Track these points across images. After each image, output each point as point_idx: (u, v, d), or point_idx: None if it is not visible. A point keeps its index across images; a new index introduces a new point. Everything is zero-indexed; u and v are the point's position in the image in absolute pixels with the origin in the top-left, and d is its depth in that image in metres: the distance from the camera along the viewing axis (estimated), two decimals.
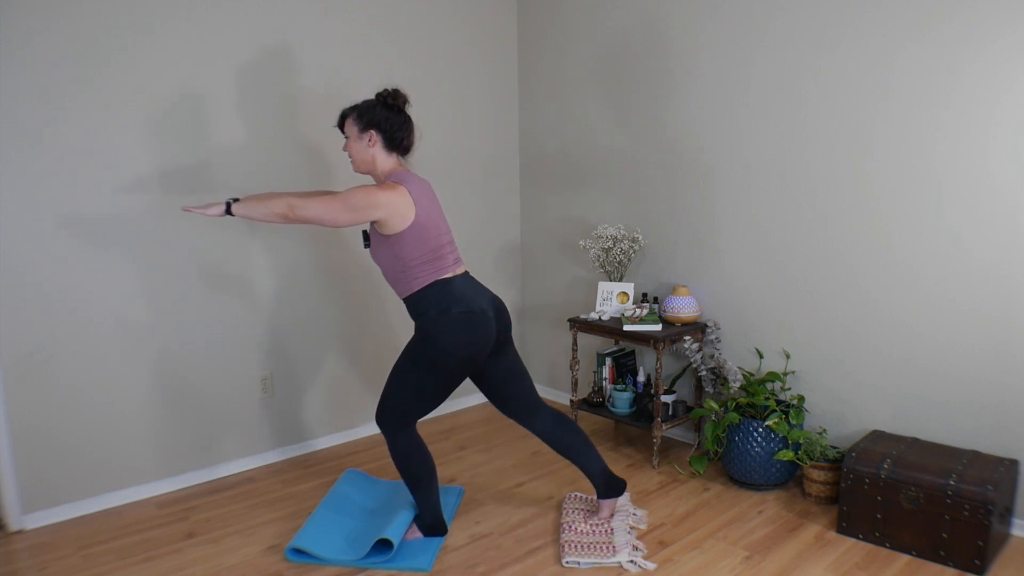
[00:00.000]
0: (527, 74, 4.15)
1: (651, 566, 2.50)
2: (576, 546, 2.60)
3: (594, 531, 2.70)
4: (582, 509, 2.88)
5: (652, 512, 2.90)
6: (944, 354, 2.78)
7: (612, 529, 2.70)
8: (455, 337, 2.44)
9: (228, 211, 2.43)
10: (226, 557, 2.62)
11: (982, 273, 2.65)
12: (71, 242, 2.81)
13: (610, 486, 2.79)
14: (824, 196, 3.01)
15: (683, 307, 3.34)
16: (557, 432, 2.73)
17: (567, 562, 2.52)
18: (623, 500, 2.89)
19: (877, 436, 2.86)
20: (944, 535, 2.49)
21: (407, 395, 2.52)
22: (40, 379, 2.80)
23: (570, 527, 2.72)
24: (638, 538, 2.69)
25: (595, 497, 2.89)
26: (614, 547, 2.58)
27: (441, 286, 2.47)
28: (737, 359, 3.37)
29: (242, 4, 3.12)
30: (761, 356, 3.29)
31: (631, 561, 2.51)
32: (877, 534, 2.63)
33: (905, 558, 2.56)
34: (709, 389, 3.34)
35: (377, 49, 3.57)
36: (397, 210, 2.37)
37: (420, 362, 2.49)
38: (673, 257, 3.57)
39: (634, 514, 2.84)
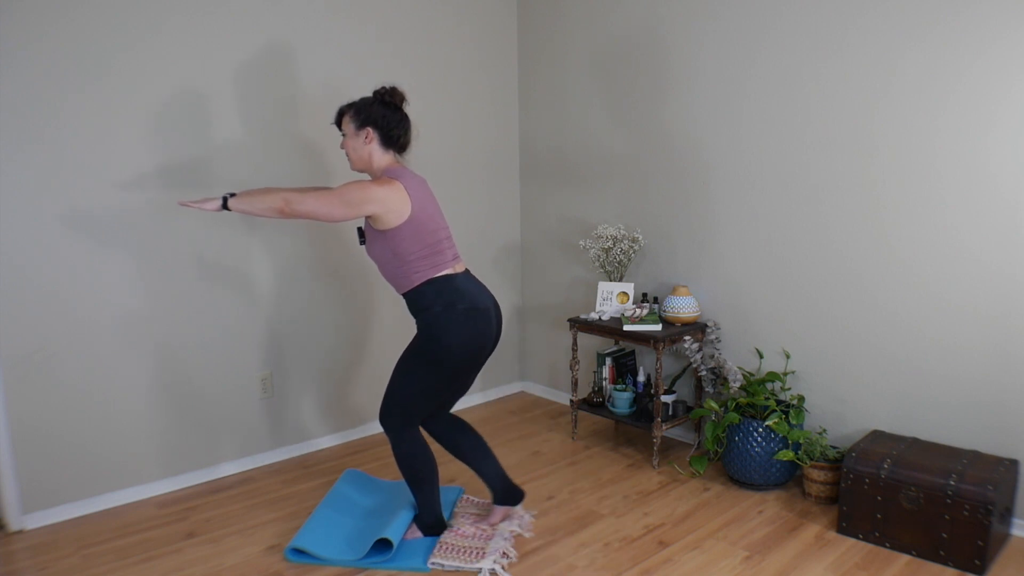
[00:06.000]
0: (527, 74, 4.15)
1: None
2: (449, 548, 2.57)
3: (477, 535, 2.66)
4: (473, 513, 2.85)
5: (652, 512, 2.90)
6: (944, 354, 2.78)
7: (492, 535, 2.67)
8: (460, 333, 2.44)
9: (224, 206, 2.44)
10: (226, 557, 2.62)
11: (982, 273, 2.65)
12: (72, 241, 2.81)
13: (507, 493, 2.75)
14: (824, 196, 3.01)
15: (683, 307, 3.34)
16: (450, 434, 2.72)
17: (431, 563, 2.50)
18: (517, 508, 2.84)
19: (877, 436, 2.86)
20: (944, 535, 2.49)
21: (411, 393, 2.52)
22: (40, 379, 2.80)
23: (455, 529, 2.69)
24: (514, 545, 2.65)
25: (489, 501, 2.85)
26: (484, 552, 2.55)
27: (443, 282, 2.47)
28: (737, 359, 3.37)
29: (243, 3, 3.12)
30: (761, 356, 3.29)
31: (491, 569, 2.47)
32: (877, 534, 2.63)
33: (905, 558, 2.56)
34: (709, 389, 3.34)
35: (378, 49, 3.57)
36: (392, 205, 2.37)
37: (423, 360, 2.49)
38: (673, 257, 3.57)
39: (522, 516, 2.81)
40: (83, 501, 2.94)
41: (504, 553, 2.57)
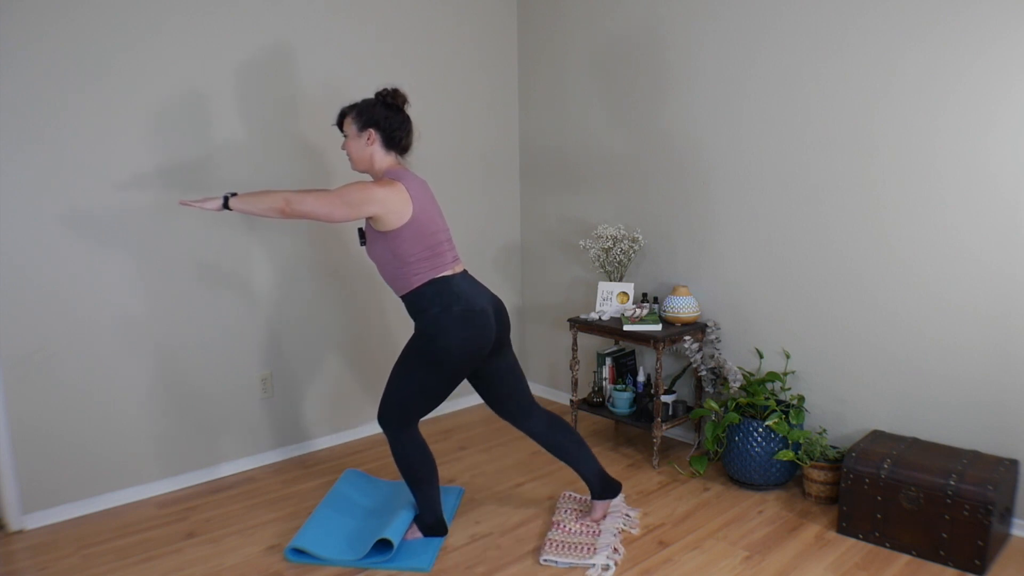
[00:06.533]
0: (527, 74, 4.15)
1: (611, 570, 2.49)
2: (558, 545, 2.60)
3: (583, 531, 2.69)
4: (575, 509, 2.87)
5: (652, 512, 2.90)
6: (944, 354, 2.78)
7: (600, 531, 2.70)
8: (456, 335, 2.44)
9: (225, 205, 2.44)
10: (226, 557, 2.62)
11: (982, 273, 2.65)
12: (72, 241, 2.81)
13: (605, 487, 2.78)
14: (824, 196, 3.01)
15: (683, 307, 3.34)
16: (550, 434, 2.73)
17: (544, 560, 2.52)
18: (617, 501, 2.88)
19: (877, 436, 2.86)
20: (944, 535, 2.49)
21: (409, 394, 2.52)
22: (40, 379, 2.80)
23: (559, 526, 2.72)
24: (622, 542, 2.66)
25: (589, 498, 2.88)
26: (595, 548, 2.57)
27: (441, 284, 2.47)
28: (737, 359, 3.37)
29: (243, 3, 3.12)
30: (761, 356, 3.29)
31: (605, 565, 2.49)
32: (877, 534, 2.63)
33: (905, 558, 2.56)
34: (709, 389, 3.34)
35: (378, 49, 3.57)
36: (393, 206, 2.37)
37: (422, 360, 2.49)
38: (673, 257, 3.57)
39: (627, 515, 2.83)
40: (83, 501, 2.94)
41: (615, 549, 2.59)
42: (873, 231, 2.90)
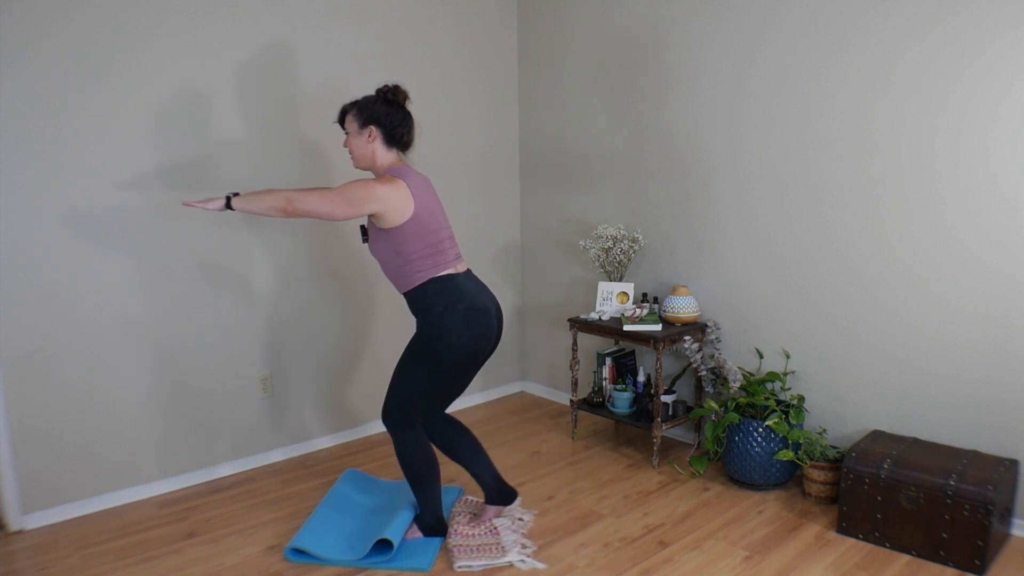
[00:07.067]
0: (527, 74, 4.15)
1: (541, 565, 2.51)
2: (465, 550, 2.58)
3: (479, 534, 2.67)
4: (468, 512, 2.85)
5: (652, 512, 2.90)
6: (944, 354, 2.78)
7: (497, 529, 2.68)
8: (460, 333, 2.44)
9: (228, 205, 2.44)
10: (226, 557, 2.62)
11: (982, 273, 2.65)
12: (72, 241, 2.81)
13: (501, 493, 2.76)
14: (824, 196, 3.01)
15: (683, 307, 3.34)
16: (446, 433, 2.72)
17: (459, 566, 2.50)
18: (510, 507, 2.84)
19: (877, 436, 2.86)
20: (944, 535, 2.49)
21: (411, 393, 2.52)
22: (40, 379, 2.80)
23: (456, 531, 2.70)
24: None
25: (483, 501, 2.86)
26: (503, 547, 2.58)
27: (444, 282, 2.47)
28: (737, 359, 3.37)
29: (243, 3, 3.12)
30: (761, 356, 3.29)
31: (521, 560, 2.52)
32: (877, 534, 2.63)
33: (905, 558, 2.56)
34: (709, 389, 3.34)
35: (378, 49, 3.57)
36: (395, 204, 2.38)
37: (423, 359, 2.49)
38: (673, 257, 3.57)
39: (521, 519, 2.81)
40: (83, 501, 2.94)
41: (523, 545, 2.60)
42: (873, 231, 2.90)
